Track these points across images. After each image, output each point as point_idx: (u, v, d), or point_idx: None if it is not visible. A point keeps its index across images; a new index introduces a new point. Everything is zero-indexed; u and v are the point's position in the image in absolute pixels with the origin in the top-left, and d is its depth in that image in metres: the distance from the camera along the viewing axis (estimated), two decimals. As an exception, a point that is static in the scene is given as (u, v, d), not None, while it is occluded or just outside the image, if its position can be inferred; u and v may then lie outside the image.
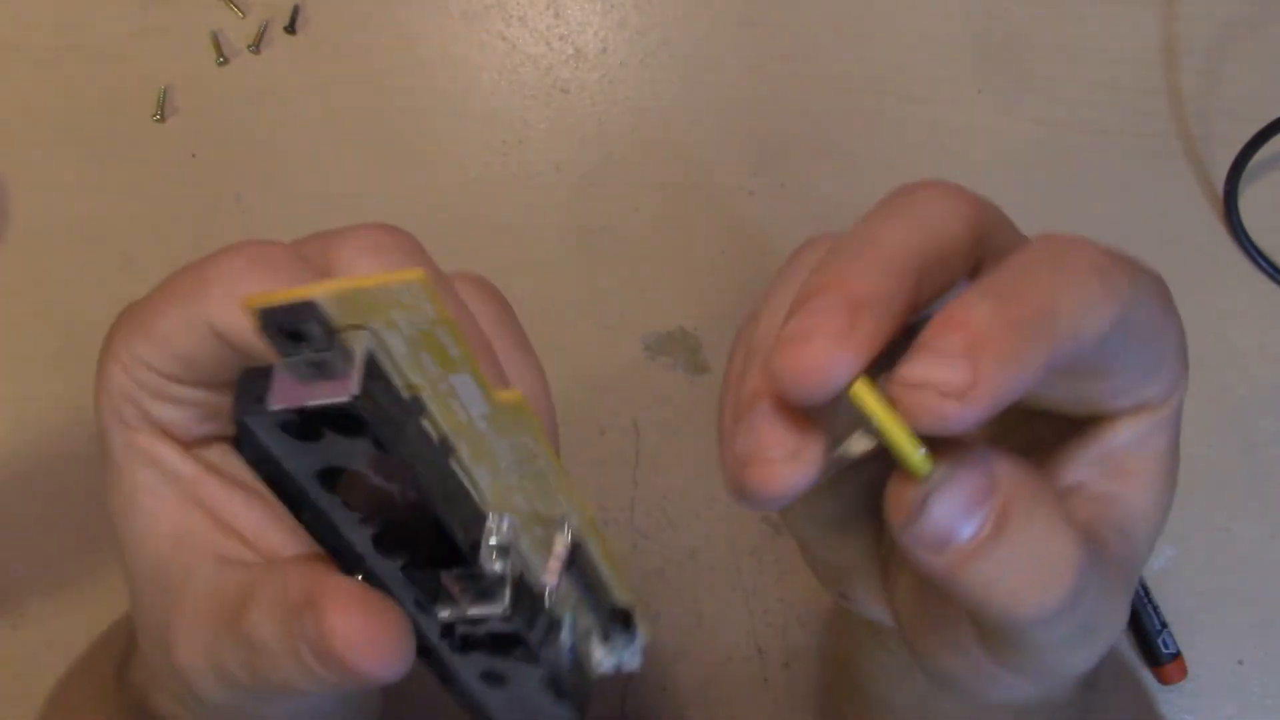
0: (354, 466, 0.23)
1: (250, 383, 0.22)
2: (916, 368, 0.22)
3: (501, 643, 0.27)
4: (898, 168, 0.57)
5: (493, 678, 0.28)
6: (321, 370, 0.21)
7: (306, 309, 0.21)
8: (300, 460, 0.23)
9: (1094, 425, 0.28)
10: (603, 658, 0.29)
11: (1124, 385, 0.27)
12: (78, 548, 0.52)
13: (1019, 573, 0.23)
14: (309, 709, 0.31)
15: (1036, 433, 0.29)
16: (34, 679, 0.47)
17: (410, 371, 0.23)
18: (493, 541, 0.25)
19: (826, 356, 0.22)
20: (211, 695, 0.28)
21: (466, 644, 0.27)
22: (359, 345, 0.22)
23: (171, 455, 0.29)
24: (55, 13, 0.58)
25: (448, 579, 0.26)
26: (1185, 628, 0.51)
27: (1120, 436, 0.28)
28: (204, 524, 0.29)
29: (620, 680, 0.51)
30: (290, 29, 0.58)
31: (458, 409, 0.24)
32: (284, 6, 0.58)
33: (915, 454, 0.23)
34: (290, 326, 0.21)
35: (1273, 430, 0.54)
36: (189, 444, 0.29)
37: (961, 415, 0.21)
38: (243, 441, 0.23)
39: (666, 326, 0.55)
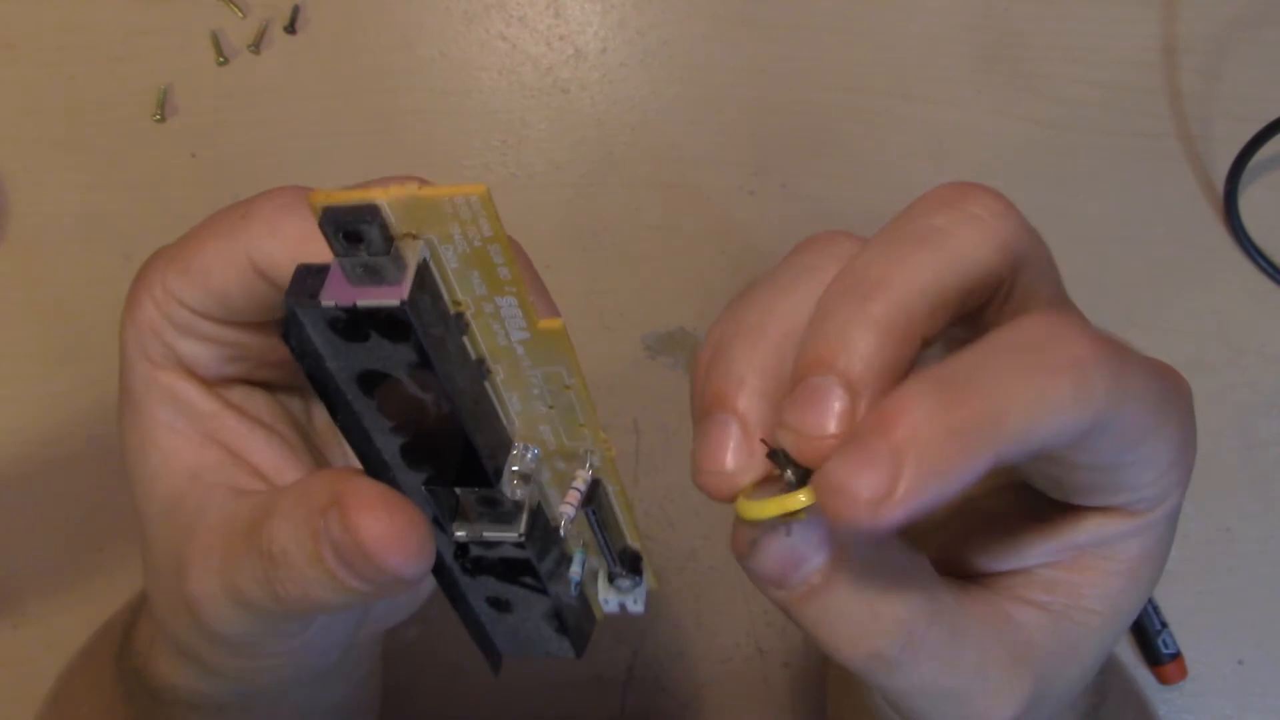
0: (394, 373, 0.23)
1: (305, 277, 0.23)
2: (838, 470, 0.21)
3: (512, 569, 0.27)
4: (898, 168, 0.57)
5: (499, 603, 0.29)
6: (375, 274, 0.22)
7: (369, 210, 0.21)
8: (343, 359, 0.24)
9: (1062, 511, 0.26)
10: (609, 597, 0.30)
11: (1096, 484, 0.25)
12: (78, 548, 0.52)
13: (843, 622, 0.24)
14: (311, 666, 0.31)
15: (1002, 502, 0.28)
16: (34, 679, 0.47)
17: (459, 287, 0.23)
18: (516, 468, 0.26)
19: (820, 453, 0.22)
20: (225, 625, 0.28)
21: (478, 566, 0.28)
22: (414, 254, 0.22)
23: (193, 392, 0.29)
24: (55, 13, 0.58)
25: (467, 499, 0.26)
26: (1185, 628, 0.51)
27: (1084, 534, 0.26)
28: (221, 459, 0.29)
29: (620, 681, 0.51)
30: (290, 29, 0.58)
31: (499, 331, 0.24)
32: (284, 6, 0.58)
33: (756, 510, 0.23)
34: (350, 227, 0.21)
35: (1273, 430, 0.54)
36: (211, 383, 0.29)
37: (874, 524, 0.20)
38: (290, 331, 0.23)
39: (666, 326, 0.55)
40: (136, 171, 0.56)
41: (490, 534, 0.26)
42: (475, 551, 0.27)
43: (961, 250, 0.24)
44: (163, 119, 0.57)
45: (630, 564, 0.29)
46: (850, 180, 0.57)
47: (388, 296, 0.22)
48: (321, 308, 0.22)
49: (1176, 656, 0.51)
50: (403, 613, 0.34)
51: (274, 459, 0.30)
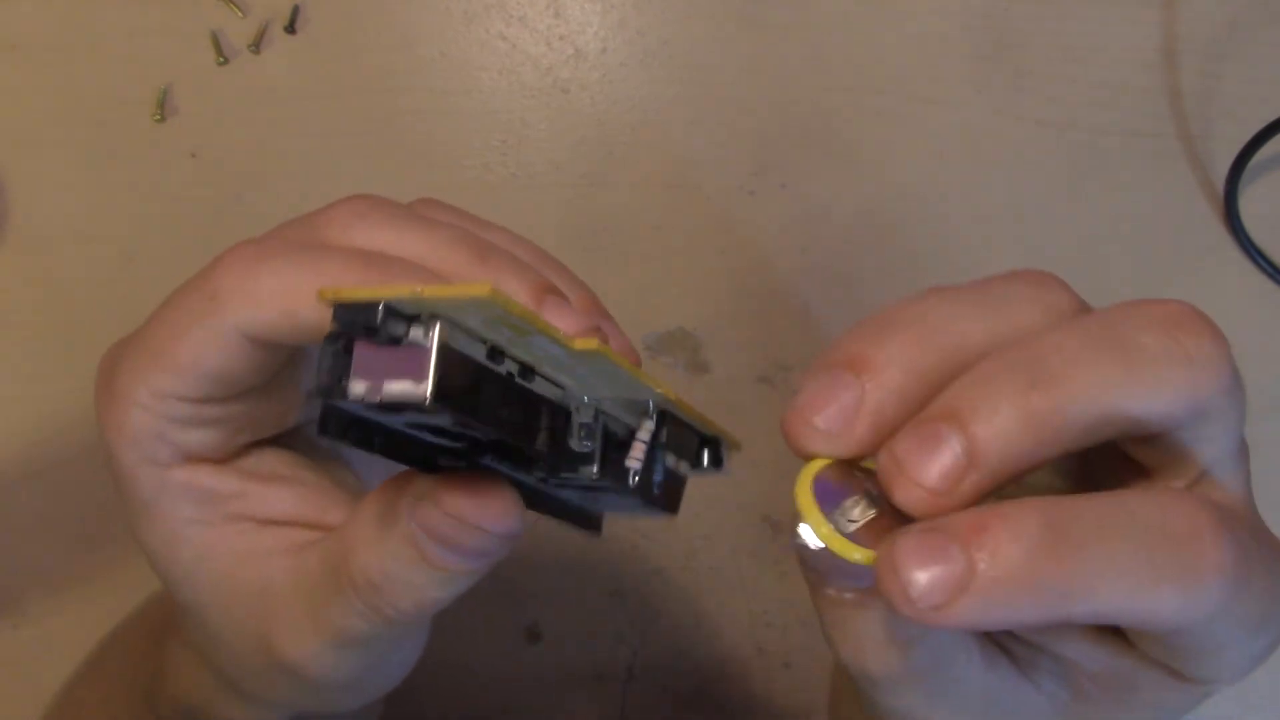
0: (438, 425, 0.24)
1: (331, 360, 0.23)
2: (907, 549, 0.20)
3: (594, 488, 0.27)
4: (898, 168, 0.57)
5: (588, 494, 0.29)
6: (399, 349, 0.22)
7: (379, 309, 0.22)
8: (389, 419, 0.24)
9: (1115, 635, 0.25)
10: (689, 470, 0.30)
11: (1162, 657, 0.24)
12: (78, 548, 0.51)
13: (853, 634, 0.24)
14: (398, 676, 0.32)
15: None
16: (34, 679, 0.47)
17: (487, 335, 0.23)
18: (581, 420, 0.26)
19: (915, 497, 0.21)
20: (336, 672, 0.28)
21: (564, 485, 0.28)
22: (434, 336, 0.22)
23: (211, 479, 0.29)
24: (55, 13, 0.58)
25: (539, 456, 0.26)
26: (1185, 628, 0.51)
27: (1132, 669, 0.25)
28: (260, 531, 0.29)
29: (620, 680, 0.51)
30: (290, 29, 0.58)
31: (536, 348, 0.24)
32: (284, 6, 0.58)
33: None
34: (365, 324, 0.22)
35: (1273, 430, 0.54)
36: (225, 459, 0.29)
37: (912, 617, 0.20)
38: (328, 425, 0.24)
39: (666, 326, 0.55)
40: (136, 171, 0.56)
41: (568, 474, 0.26)
42: (560, 482, 0.27)
43: (1157, 387, 0.21)
44: (163, 119, 0.57)
45: (713, 454, 0.29)
46: (850, 180, 0.57)
47: (413, 392, 0.22)
48: (350, 402, 0.22)
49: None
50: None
51: (309, 509, 0.30)
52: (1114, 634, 0.25)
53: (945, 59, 0.59)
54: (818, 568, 0.24)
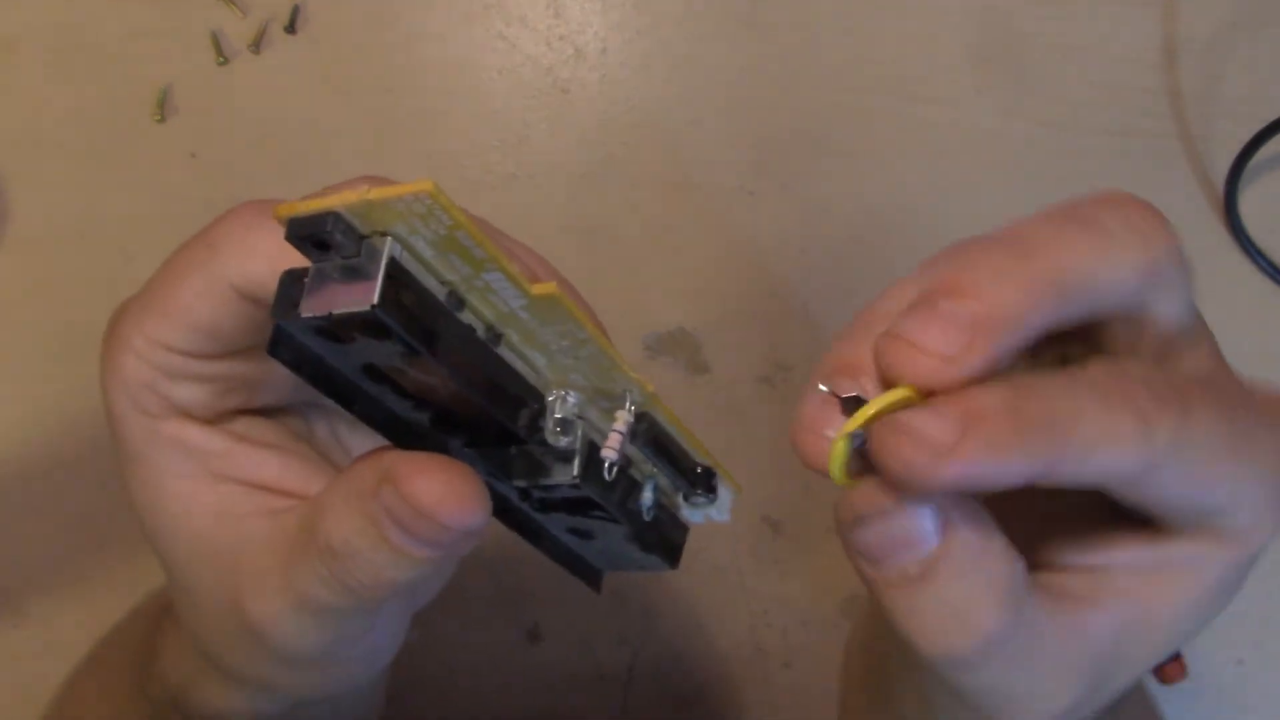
0: (393, 363, 0.24)
1: (288, 287, 0.23)
2: (907, 416, 0.22)
3: (579, 504, 0.27)
4: (898, 168, 0.57)
5: (580, 532, 0.29)
6: (352, 274, 0.22)
7: (330, 218, 0.22)
8: (341, 359, 0.24)
9: (1152, 525, 0.26)
10: (689, 514, 0.30)
11: (1180, 513, 0.25)
12: (78, 548, 0.51)
13: (929, 618, 0.24)
14: (375, 664, 0.31)
15: (1093, 500, 0.27)
16: (34, 679, 0.47)
17: (443, 270, 0.23)
18: (557, 414, 0.26)
19: (922, 365, 0.23)
20: (298, 640, 0.28)
21: (546, 505, 0.28)
22: (382, 252, 0.22)
23: (198, 434, 0.29)
24: (55, 13, 0.58)
25: (516, 452, 0.26)
26: (1185, 628, 0.51)
27: (1173, 550, 0.26)
28: (242, 493, 0.29)
29: (620, 680, 0.51)
30: (290, 29, 0.58)
31: (498, 301, 0.24)
32: (284, 6, 0.58)
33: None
34: (317, 235, 0.22)
35: (1273, 430, 0.54)
36: (212, 420, 0.29)
37: (925, 478, 0.22)
38: (279, 346, 0.24)
39: (666, 326, 0.55)
40: (136, 171, 0.56)
41: (546, 480, 0.26)
42: (539, 494, 0.27)
43: (1122, 255, 0.24)
44: (163, 119, 0.57)
45: (704, 481, 0.29)
46: (850, 180, 0.57)
47: (359, 302, 0.22)
48: (302, 320, 0.22)
49: (1176, 656, 0.51)
50: (435, 590, 0.35)
51: (292, 479, 0.29)
52: (1147, 529, 0.26)
53: (945, 59, 0.59)
54: (870, 551, 0.24)
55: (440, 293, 0.23)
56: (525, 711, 0.51)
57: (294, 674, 0.30)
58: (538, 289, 0.24)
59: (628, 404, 0.26)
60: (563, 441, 0.26)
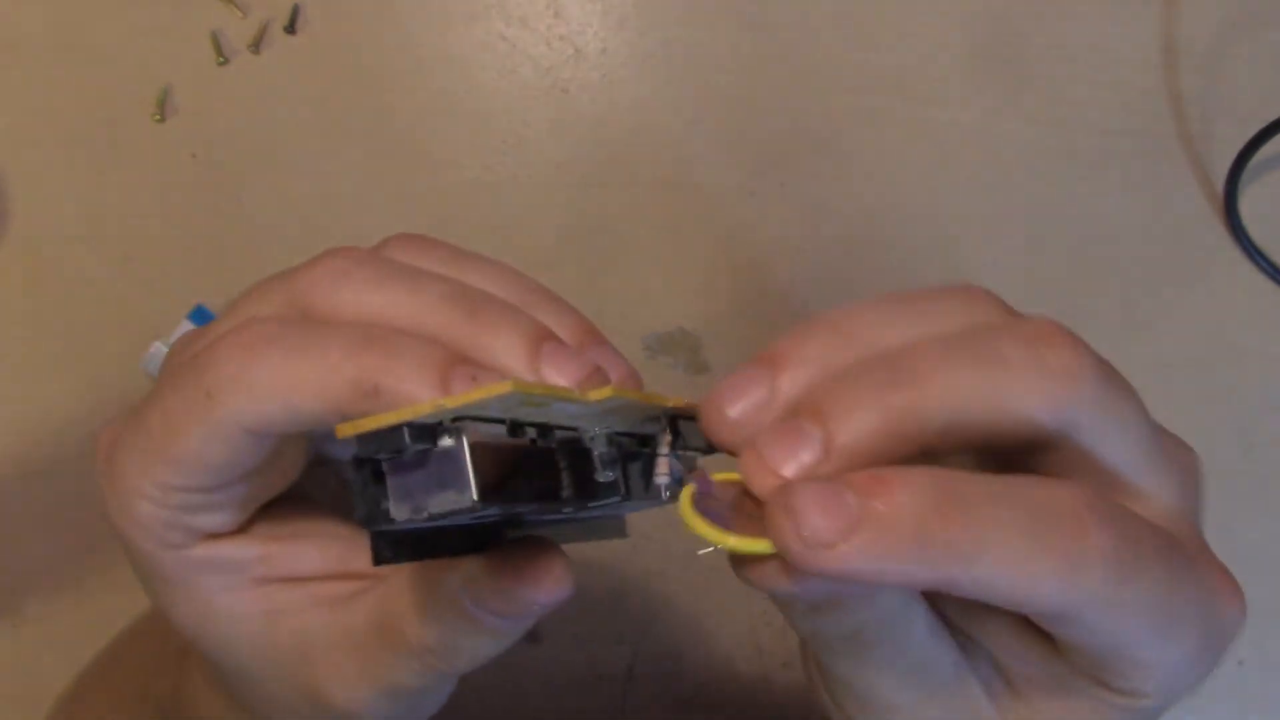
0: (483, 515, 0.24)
1: (366, 485, 0.22)
2: (804, 498, 0.21)
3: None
4: (898, 168, 0.57)
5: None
6: (431, 462, 0.22)
7: (403, 430, 0.21)
8: (435, 532, 0.25)
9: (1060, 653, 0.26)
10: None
11: (1068, 651, 0.25)
12: (78, 548, 0.52)
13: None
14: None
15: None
16: (34, 679, 0.47)
17: (506, 414, 0.23)
18: (599, 451, 0.26)
19: (772, 486, 0.22)
20: (382, 715, 0.29)
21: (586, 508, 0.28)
22: (464, 442, 0.22)
23: (232, 550, 0.29)
24: (55, 13, 0.58)
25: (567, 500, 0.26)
26: (1185, 628, 0.51)
27: (1067, 684, 0.25)
28: (287, 589, 0.29)
29: (620, 680, 0.51)
30: (290, 29, 0.58)
31: (554, 410, 0.24)
32: (284, 6, 0.58)
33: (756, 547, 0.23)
34: (391, 449, 0.22)
35: (1273, 430, 0.54)
36: (242, 528, 0.29)
37: (801, 563, 0.21)
38: (380, 553, 0.24)
39: (666, 326, 0.55)
40: (136, 171, 0.56)
41: (595, 504, 0.26)
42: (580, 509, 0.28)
43: (1013, 395, 0.23)
44: (163, 119, 0.57)
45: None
46: (850, 180, 0.57)
47: (459, 498, 0.22)
48: (400, 525, 0.22)
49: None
50: None
51: (333, 561, 0.30)
52: (1042, 636, 0.25)
53: (945, 59, 0.59)
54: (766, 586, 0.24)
55: (502, 430, 0.23)
56: (525, 711, 0.51)
57: None
58: (595, 395, 0.24)
59: (664, 430, 0.27)
60: (609, 475, 0.26)
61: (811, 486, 0.21)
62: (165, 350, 0.50)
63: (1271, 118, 0.54)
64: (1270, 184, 0.57)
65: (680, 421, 0.28)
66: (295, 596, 0.29)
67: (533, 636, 0.52)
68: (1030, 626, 0.26)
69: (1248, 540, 0.52)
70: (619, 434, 0.26)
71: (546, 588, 0.26)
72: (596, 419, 0.26)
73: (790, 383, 0.23)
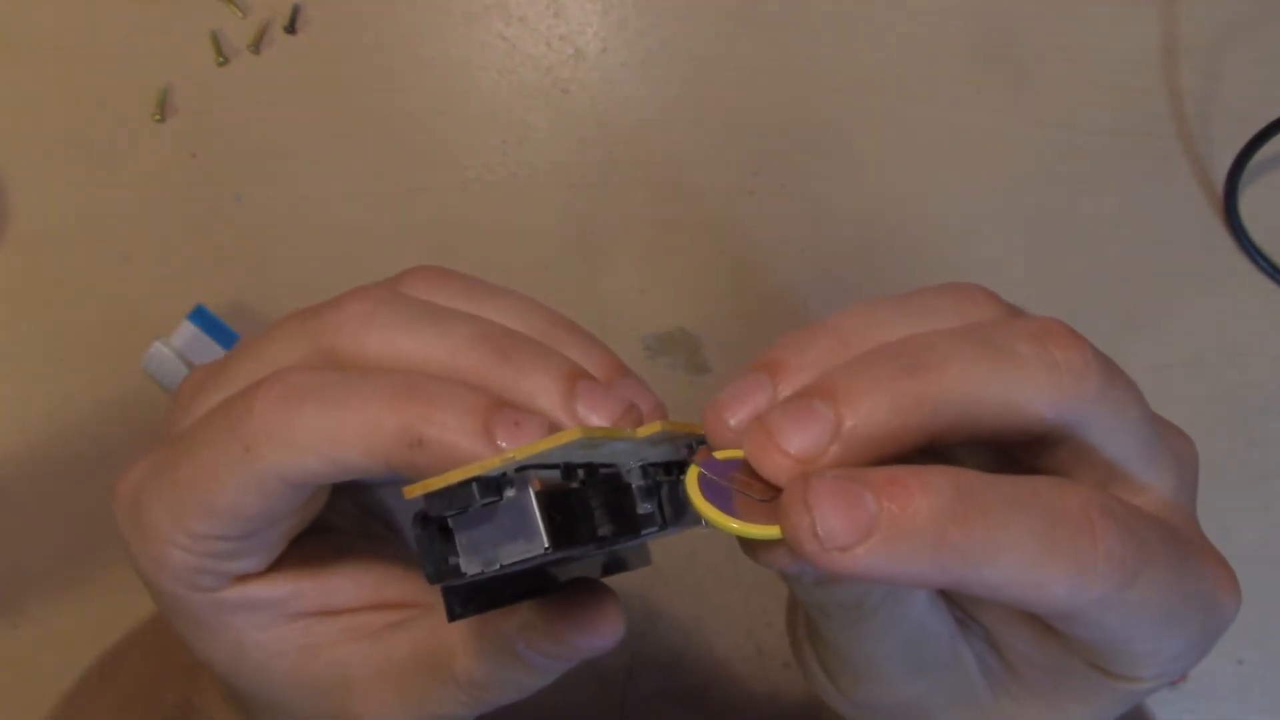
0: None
1: (431, 542, 0.22)
2: (821, 498, 0.21)
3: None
4: (897, 168, 0.57)
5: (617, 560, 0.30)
6: (496, 515, 0.22)
7: (472, 487, 0.22)
8: (507, 582, 0.25)
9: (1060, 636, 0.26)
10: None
11: (1072, 643, 0.25)
12: (78, 548, 0.51)
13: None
14: None
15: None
16: (34, 679, 0.47)
17: (564, 458, 0.23)
18: (637, 484, 0.26)
19: (779, 464, 0.22)
20: None
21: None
22: (530, 492, 0.22)
23: (262, 590, 0.28)
24: (55, 13, 0.58)
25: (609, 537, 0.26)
26: (1185, 628, 0.51)
27: (1067, 666, 0.26)
28: (321, 623, 0.29)
29: (620, 680, 0.51)
30: (290, 29, 0.58)
31: (603, 450, 0.24)
32: (284, 6, 0.58)
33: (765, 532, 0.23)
34: (461, 502, 0.22)
35: (1273, 430, 0.54)
36: (272, 567, 0.29)
37: (816, 563, 0.21)
38: (453, 609, 0.24)
39: (666, 326, 0.55)
40: (136, 171, 0.56)
41: (639, 537, 0.26)
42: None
43: (1024, 390, 0.23)
44: (163, 119, 0.57)
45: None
46: (850, 180, 0.57)
47: (530, 547, 0.22)
48: (471, 578, 0.22)
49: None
50: None
51: (365, 593, 0.30)
52: (1040, 619, 0.26)
53: (945, 59, 0.59)
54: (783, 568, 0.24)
55: (557, 475, 0.23)
56: (525, 711, 0.51)
57: None
58: (644, 431, 0.24)
59: (692, 449, 0.26)
60: (647, 507, 0.26)
61: (829, 483, 0.21)
62: (165, 350, 0.50)
63: (1271, 118, 0.54)
64: (1270, 184, 0.57)
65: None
66: (331, 629, 0.29)
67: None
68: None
69: (1246, 539, 0.52)
70: (650, 465, 0.26)
71: (601, 631, 0.26)
72: (634, 453, 0.26)
73: (792, 389, 0.24)
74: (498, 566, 0.22)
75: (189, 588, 0.28)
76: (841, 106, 0.58)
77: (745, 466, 0.23)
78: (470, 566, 0.22)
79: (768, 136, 0.58)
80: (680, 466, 0.27)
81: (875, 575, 0.21)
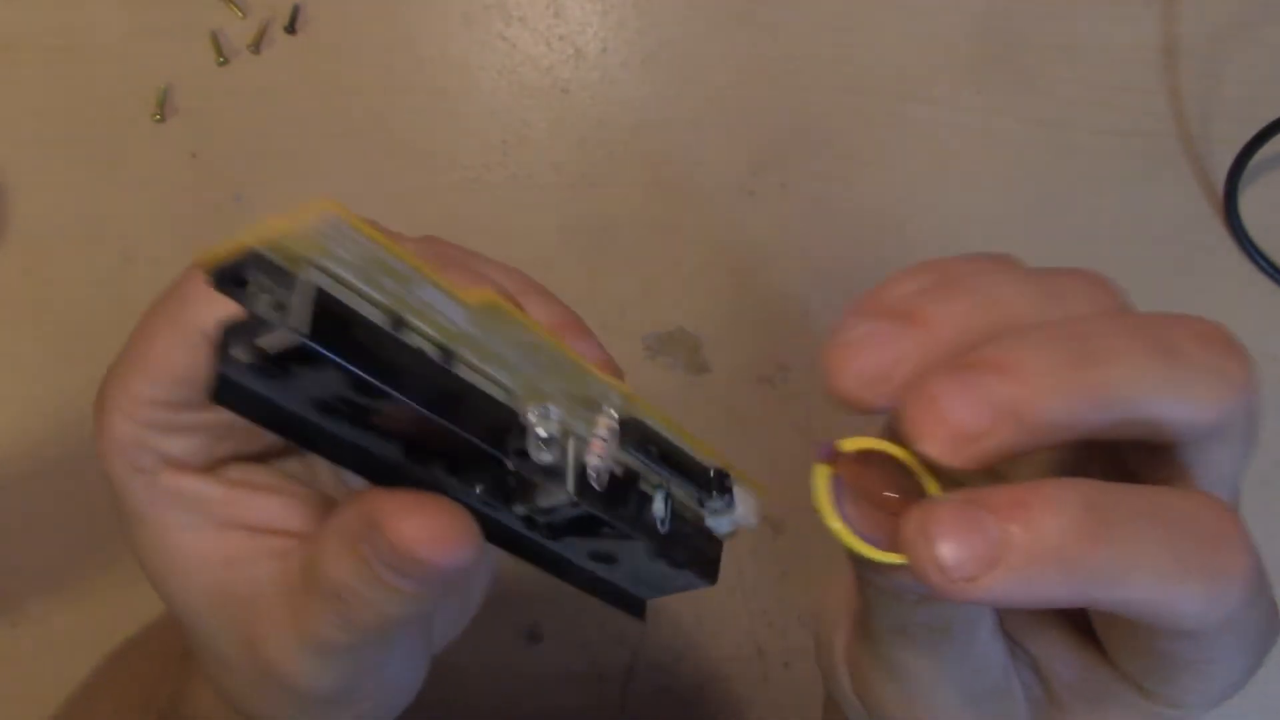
0: (343, 394, 0.23)
1: (225, 335, 0.23)
2: (938, 519, 0.19)
3: (588, 524, 0.26)
4: (898, 168, 0.57)
5: (602, 557, 0.28)
6: (284, 310, 0.22)
7: (250, 258, 0.21)
8: (291, 396, 0.23)
9: (1103, 658, 0.25)
10: (715, 523, 0.28)
11: (1151, 669, 0.24)
12: (78, 548, 0.51)
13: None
14: (397, 704, 0.31)
15: None
16: (34, 679, 0.47)
17: (378, 294, 0.23)
18: (539, 431, 0.25)
19: (943, 453, 0.20)
20: (315, 679, 0.28)
21: (555, 530, 0.26)
22: (309, 281, 0.22)
23: (196, 484, 0.29)
24: (55, 13, 0.58)
25: (508, 477, 0.25)
26: (1185, 628, 0.51)
27: (1109, 688, 0.25)
28: (248, 539, 0.29)
29: (620, 680, 0.51)
30: (290, 29, 0.58)
31: (444, 320, 0.23)
32: (284, 6, 0.58)
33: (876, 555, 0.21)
34: (241, 278, 0.21)
35: (1273, 430, 0.54)
36: (210, 469, 0.29)
37: (940, 594, 0.20)
38: (220, 393, 0.23)
39: (666, 326, 0.55)
40: (136, 171, 0.56)
41: (546, 502, 0.25)
42: (543, 519, 0.26)
43: (1191, 391, 0.21)
44: (163, 119, 0.57)
45: (717, 485, 0.27)
46: (850, 180, 0.57)
47: (291, 335, 0.21)
48: (238, 361, 0.22)
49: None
50: (460, 626, 0.35)
51: (295, 519, 0.29)
52: (1092, 643, 0.25)
53: (945, 59, 0.59)
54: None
55: (378, 317, 0.23)
56: (525, 711, 0.51)
57: (319, 713, 0.30)
58: (474, 297, 0.23)
59: (605, 408, 0.26)
60: (549, 459, 0.25)
61: (949, 510, 0.20)
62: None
63: (1271, 118, 0.54)
64: (1270, 184, 0.57)
65: (640, 433, 0.26)
66: (253, 547, 0.29)
67: (533, 636, 0.52)
68: (1080, 632, 0.25)
69: (1248, 540, 0.52)
70: (574, 430, 0.25)
71: (439, 546, 0.24)
72: (532, 382, 0.25)
73: (930, 345, 0.21)
74: (262, 351, 0.22)
75: (129, 466, 0.28)
76: (841, 106, 0.58)
77: (862, 458, 0.22)
78: (241, 350, 0.22)
79: (768, 136, 0.58)
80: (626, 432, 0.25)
81: (1003, 601, 0.20)
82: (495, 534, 0.27)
